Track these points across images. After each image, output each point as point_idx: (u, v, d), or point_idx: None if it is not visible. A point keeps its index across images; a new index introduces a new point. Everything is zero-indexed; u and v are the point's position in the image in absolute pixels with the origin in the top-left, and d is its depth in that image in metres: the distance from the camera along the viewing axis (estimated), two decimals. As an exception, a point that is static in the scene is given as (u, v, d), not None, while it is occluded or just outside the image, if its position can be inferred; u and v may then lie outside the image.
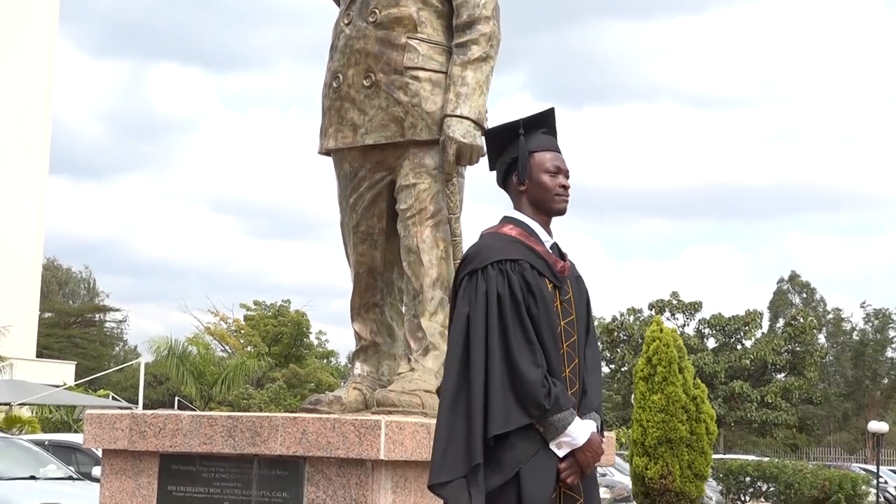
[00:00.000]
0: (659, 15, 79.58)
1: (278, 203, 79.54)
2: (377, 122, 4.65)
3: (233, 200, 79.30)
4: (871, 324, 50.30)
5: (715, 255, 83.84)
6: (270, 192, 78.18)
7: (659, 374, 13.76)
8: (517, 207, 3.31)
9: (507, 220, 3.30)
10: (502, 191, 3.40)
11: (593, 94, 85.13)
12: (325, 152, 4.88)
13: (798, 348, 38.12)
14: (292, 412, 4.36)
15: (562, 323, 3.16)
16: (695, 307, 38.82)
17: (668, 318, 37.29)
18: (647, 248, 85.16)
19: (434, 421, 3.98)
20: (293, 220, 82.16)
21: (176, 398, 32.54)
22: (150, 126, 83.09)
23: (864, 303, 51.31)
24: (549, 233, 3.29)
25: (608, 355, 38.54)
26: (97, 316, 53.91)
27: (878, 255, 77.44)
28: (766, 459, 23.47)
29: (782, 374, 39.03)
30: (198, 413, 4.31)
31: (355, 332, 4.86)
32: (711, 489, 19.54)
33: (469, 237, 4.32)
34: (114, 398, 28.96)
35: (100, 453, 4.79)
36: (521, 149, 3.28)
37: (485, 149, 3.59)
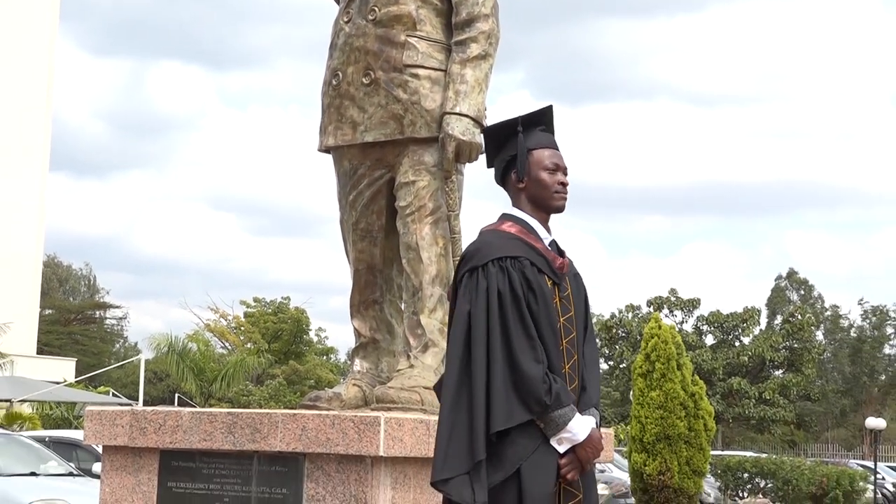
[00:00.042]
0: (658, 13, 79.57)
1: (278, 200, 79.55)
2: (377, 119, 4.66)
3: (233, 198, 79.27)
4: (868, 321, 50.39)
5: (713, 253, 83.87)
6: (270, 190, 78.19)
7: (657, 370, 13.77)
8: (516, 205, 3.33)
9: (506, 217, 3.32)
10: (500, 188, 3.42)
11: (592, 92, 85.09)
12: (325, 150, 4.90)
13: (796, 345, 38.13)
14: (292, 409, 4.38)
15: (561, 319, 3.17)
16: (693, 304, 38.81)
17: (666, 315, 37.28)
18: (646, 245, 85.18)
19: (433, 417, 4.00)
20: (293, 217, 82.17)
21: (176, 395, 32.53)
22: (150, 124, 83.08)
23: (861, 300, 51.30)
24: (548, 230, 3.31)
25: (606, 352, 38.55)
26: (97, 313, 53.88)
27: (875, 252, 77.51)
28: (764, 456, 23.48)
29: (780, 371, 39.04)
30: (198, 410, 4.33)
31: (355, 328, 4.88)
32: (709, 485, 19.57)
33: (468, 234, 4.34)
34: (114, 395, 28.96)
35: (100, 450, 4.81)
36: (519, 146, 3.29)
37: (483, 146, 3.60)
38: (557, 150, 3.35)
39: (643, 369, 13.97)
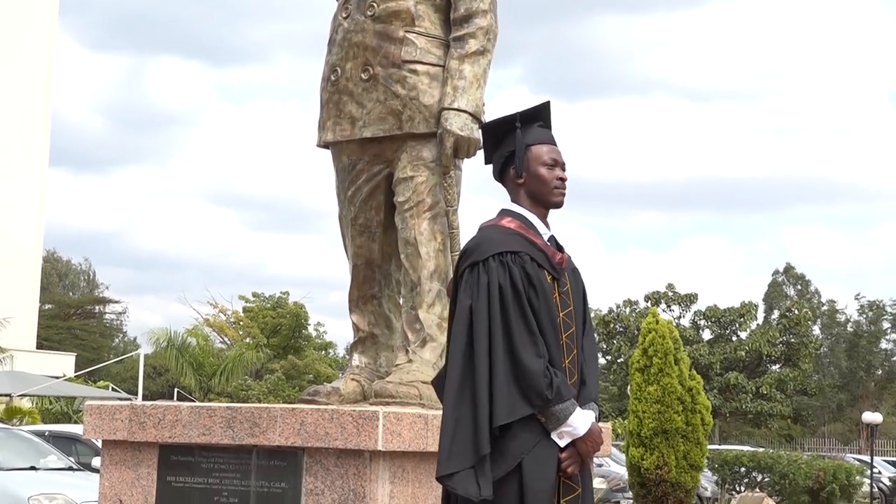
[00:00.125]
0: (655, 9, 79.55)
1: (277, 196, 79.50)
2: (375, 115, 4.68)
3: (232, 193, 79.27)
4: (865, 315, 50.46)
5: (710, 248, 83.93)
6: (269, 185, 78.16)
7: (655, 365, 13.79)
8: (514, 200, 3.34)
9: (505, 212, 3.33)
10: (499, 184, 3.44)
11: (590, 88, 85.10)
12: (324, 145, 4.91)
13: (793, 340, 38.17)
14: (291, 403, 4.39)
15: (561, 314, 3.19)
16: (690, 299, 38.83)
17: (663, 310, 37.31)
18: (643, 241, 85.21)
19: (431, 412, 4.02)
20: (292, 212, 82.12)
21: (175, 389, 32.51)
22: (149, 119, 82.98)
23: (858, 295, 51.53)
24: (547, 225, 3.32)
25: (604, 347, 38.58)
26: (97, 308, 53.86)
27: (872, 247, 77.62)
28: (761, 450, 23.53)
29: (777, 366, 39.08)
30: (197, 404, 4.34)
31: (353, 323, 4.90)
32: (707, 479, 19.63)
33: (466, 230, 4.36)
34: (113, 389, 28.99)
35: (99, 444, 4.82)
36: (518, 142, 3.31)
37: (482, 142, 3.62)
38: (555, 145, 3.37)
39: (640, 364, 13.99)
